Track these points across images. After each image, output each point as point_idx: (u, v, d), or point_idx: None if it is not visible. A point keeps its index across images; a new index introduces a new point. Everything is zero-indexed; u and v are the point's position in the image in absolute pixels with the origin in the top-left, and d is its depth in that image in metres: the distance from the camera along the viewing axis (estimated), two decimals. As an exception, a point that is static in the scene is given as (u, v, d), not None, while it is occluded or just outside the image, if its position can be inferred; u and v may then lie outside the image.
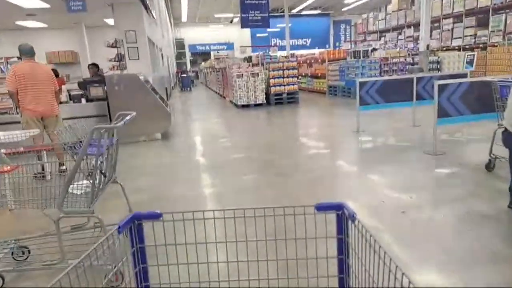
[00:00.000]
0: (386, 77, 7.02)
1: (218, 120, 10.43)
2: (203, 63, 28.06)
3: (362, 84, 7.04)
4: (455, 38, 20.95)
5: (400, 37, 25.53)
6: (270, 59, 14.14)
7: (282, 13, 28.45)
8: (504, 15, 18.72)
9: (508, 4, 18.15)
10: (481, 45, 19.57)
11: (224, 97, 15.10)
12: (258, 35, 30.30)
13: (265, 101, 12.01)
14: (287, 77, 12.11)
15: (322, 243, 1.32)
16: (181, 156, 6.35)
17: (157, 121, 7.37)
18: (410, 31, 25.18)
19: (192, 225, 1.26)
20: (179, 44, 33.28)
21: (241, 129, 8.75)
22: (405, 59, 12.85)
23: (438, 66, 14.59)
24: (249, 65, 12.89)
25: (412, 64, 12.99)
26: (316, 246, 1.31)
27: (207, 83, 24.01)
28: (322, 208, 1.23)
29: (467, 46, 20.12)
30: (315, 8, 30.25)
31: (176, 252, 1.32)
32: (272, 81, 12.09)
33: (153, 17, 11.51)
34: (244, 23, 13.66)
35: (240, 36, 33.35)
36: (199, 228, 1.36)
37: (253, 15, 13.59)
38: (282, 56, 20.63)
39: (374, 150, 6.05)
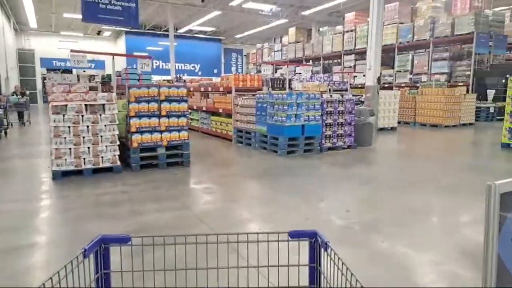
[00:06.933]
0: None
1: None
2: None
3: None
4: (356, 76, 18.00)
5: (298, 70, 21.93)
6: (139, 79, 7.70)
7: (166, 32, 22.17)
8: (410, 55, 16.32)
9: (415, 43, 15.72)
10: (386, 85, 16.97)
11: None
12: (135, 53, 23.16)
13: (118, 162, 5.53)
14: (168, 115, 5.91)
15: (294, 271, 1.19)
16: None
17: None
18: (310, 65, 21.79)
19: (162, 250, 1.11)
20: (26, 56, 23.65)
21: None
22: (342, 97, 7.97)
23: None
24: (97, 88, 6.28)
25: (358, 103, 8.28)
26: (289, 274, 1.20)
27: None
28: (295, 235, 1.15)
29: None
30: (205, 33, 25.01)
31: (143, 279, 1.16)
32: (134, 122, 5.71)
33: None
34: (89, 14, 6.97)
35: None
36: (169, 253, 1.17)
37: (106, 2, 7.09)
38: (164, 80, 14.28)
39: None
